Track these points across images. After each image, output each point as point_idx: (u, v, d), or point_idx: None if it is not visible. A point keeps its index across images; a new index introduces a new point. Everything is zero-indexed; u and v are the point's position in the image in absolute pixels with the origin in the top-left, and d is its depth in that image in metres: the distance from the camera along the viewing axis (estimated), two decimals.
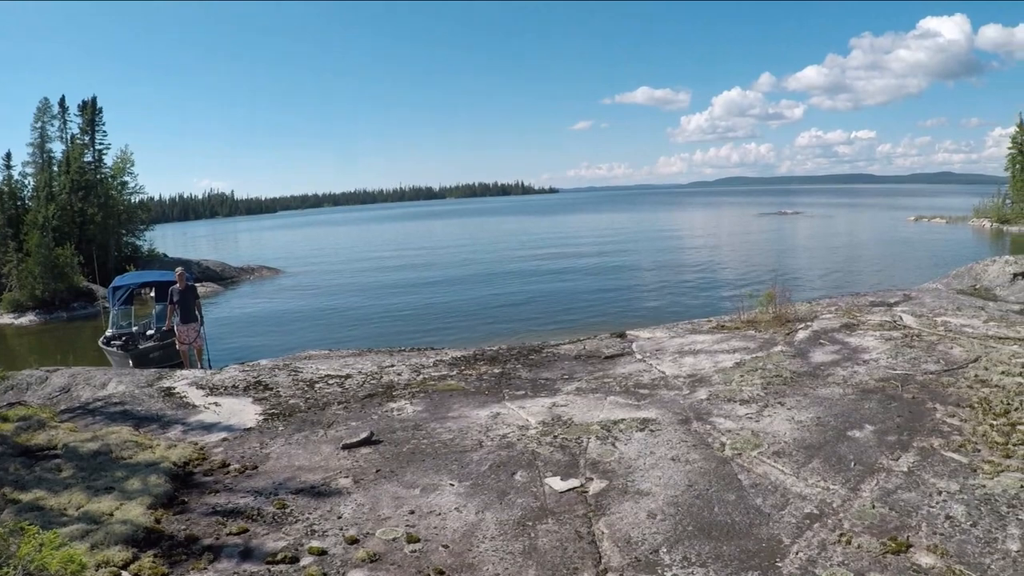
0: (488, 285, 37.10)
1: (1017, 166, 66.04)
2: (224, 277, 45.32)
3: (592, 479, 6.80)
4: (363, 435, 8.10)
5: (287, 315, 31.48)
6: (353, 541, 5.72)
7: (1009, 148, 67.79)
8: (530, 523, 5.97)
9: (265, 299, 37.67)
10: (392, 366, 12.17)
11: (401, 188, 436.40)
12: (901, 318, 13.85)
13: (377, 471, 7.22)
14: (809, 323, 13.72)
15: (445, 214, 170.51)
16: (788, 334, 12.94)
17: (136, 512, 6.12)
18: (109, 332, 20.36)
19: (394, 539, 5.74)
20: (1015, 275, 19.40)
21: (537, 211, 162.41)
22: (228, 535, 5.89)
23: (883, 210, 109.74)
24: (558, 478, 6.84)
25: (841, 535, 5.50)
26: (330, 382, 11.10)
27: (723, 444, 7.51)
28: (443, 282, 39.54)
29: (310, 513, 6.27)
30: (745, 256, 47.53)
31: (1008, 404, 8.35)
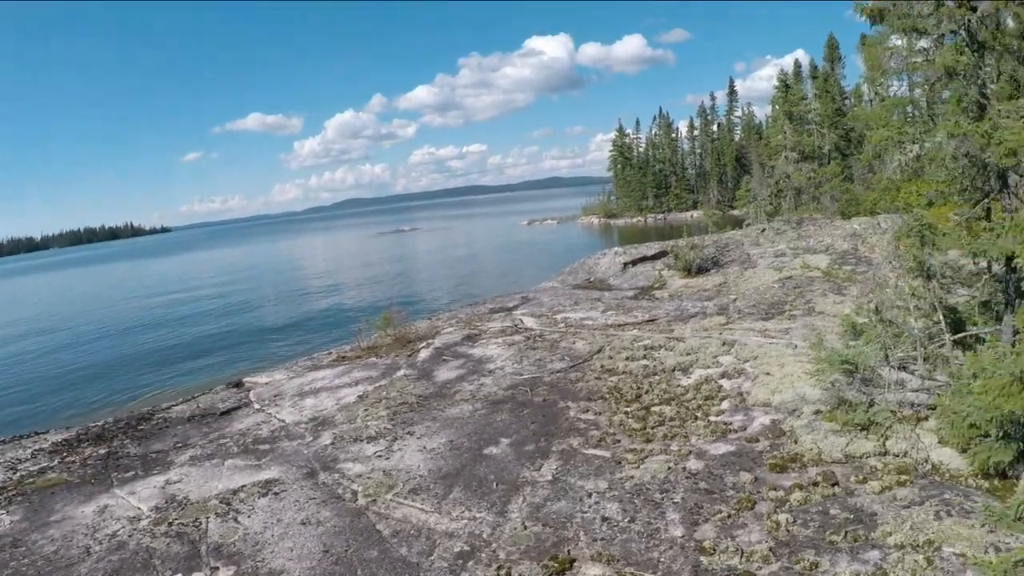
0: (94, 346, 33.09)
1: (619, 166, 79.38)
2: None
3: (218, 568, 6.00)
4: None
5: None
6: None
7: (610, 151, 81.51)
8: None
9: None
10: None
11: None
12: (521, 321, 14.44)
13: None
14: (431, 340, 13.84)
15: (48, 267, 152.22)
16: (410, 355, 12.95)
17: None
18: None
19: None
20: (625, 264, 21.54)
21: (149, 254, 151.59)
22: None
23: (498, 218, 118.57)
24: None
25: (499, 568, 5.25)
26: None
27: (355, 492, 7.02)
28: (41, 350, 34.41)
29: None
30: (366, 279, 47.99)
31: (638, 388, 8.83)
